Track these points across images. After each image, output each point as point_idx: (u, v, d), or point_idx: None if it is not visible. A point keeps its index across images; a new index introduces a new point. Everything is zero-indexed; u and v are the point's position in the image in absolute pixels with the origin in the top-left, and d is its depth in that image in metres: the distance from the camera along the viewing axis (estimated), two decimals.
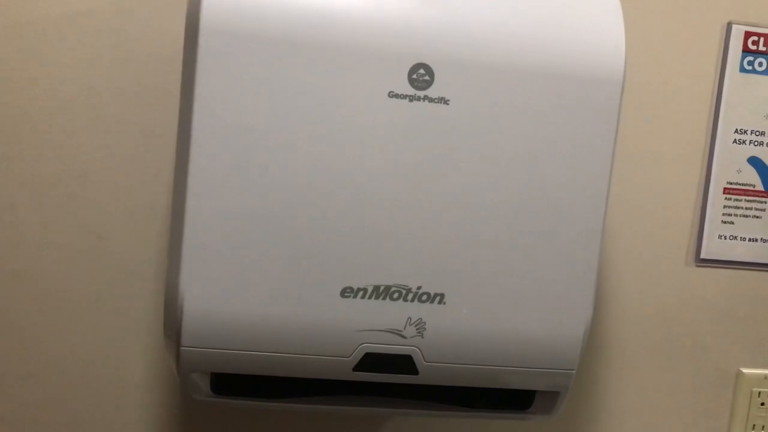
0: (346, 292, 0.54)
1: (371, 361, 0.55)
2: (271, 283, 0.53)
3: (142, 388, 0.74)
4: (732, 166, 0.81)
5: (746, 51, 0.79)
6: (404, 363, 0.55)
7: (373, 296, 0.54)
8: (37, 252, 0.71)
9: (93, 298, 0.72)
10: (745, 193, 0.81)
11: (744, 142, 0.80)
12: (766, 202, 0.81)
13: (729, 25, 0.79)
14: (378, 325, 0.54)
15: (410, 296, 0.54)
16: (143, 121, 0.71)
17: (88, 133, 0.70)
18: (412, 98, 0.53)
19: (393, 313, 0.54)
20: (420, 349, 0.55)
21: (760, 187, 0.81)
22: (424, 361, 0.56)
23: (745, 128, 0.80)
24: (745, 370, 0.83)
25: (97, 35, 0.70)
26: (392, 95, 0.53)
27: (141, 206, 0.72)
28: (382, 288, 0.54)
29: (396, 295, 0.54)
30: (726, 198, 0.81)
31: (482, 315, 0.55)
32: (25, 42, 0.69)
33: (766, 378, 0.83)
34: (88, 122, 0.70)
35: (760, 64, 0.80)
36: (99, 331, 0.73)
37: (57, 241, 0.71)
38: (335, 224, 0.53)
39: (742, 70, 0.80)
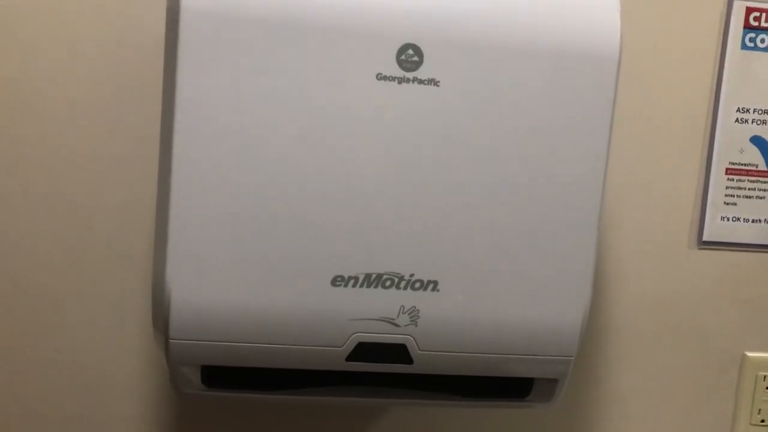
0: (337, 281, 0.52)
1: (364, 350, 0.54)
2: (259, 273, 0.52)
3: (135, 382, 0.73)
4: (734, 145, 0.79)
5: (748, 27, 0.78)
6: (398, 352, 0.54)
7: (365, 284, 0.53)
8: (26, 245, 0.70)
9: (83, 292, 0.71)
10: (748, 173, 0.79)
11: (746, 121, 0.79)
12: None
13: (730, 1, 0.77)
14: (370, 313, 0.53)
15: (403, 284, 0.53)
16: (132, 112, 0.70)
17: (77, 125, 0.69)
18: (401, 80, 0.52)
19: (386, 302, 0.53)
20: (414, 338, 0.54)
21: (763, 167, 0.80)
22: (419, 349, 0.54)
23: (748, 107, 0.78)
24: (749, 354, 0.82)
25: (85, 25, 0.68)
26: (380, 77, 0.51)
27: (131, 197, 0.70)
28: (374, 276, 0.53)
29: (388, 282, 0.53)
30: (728, 179, 0.79)
31: (477, 302, 0.54)
32: (11, 32, 0.67)
33: None
34: (76, 115, 0.69)
35: (762, 41, 0.78)
36: (89, 325, 0.72)
37: (46, 235, 0.70)
38: (324, 211, 0.52)
39: (744, 47, 0.78)
